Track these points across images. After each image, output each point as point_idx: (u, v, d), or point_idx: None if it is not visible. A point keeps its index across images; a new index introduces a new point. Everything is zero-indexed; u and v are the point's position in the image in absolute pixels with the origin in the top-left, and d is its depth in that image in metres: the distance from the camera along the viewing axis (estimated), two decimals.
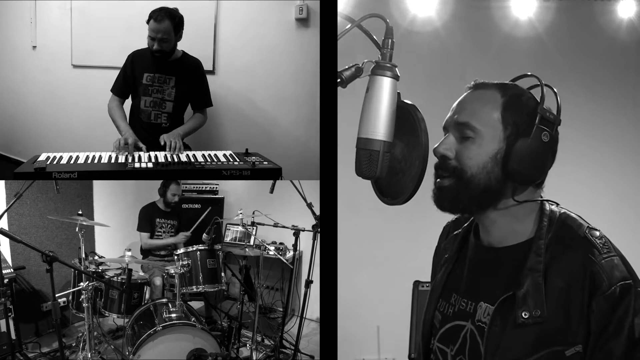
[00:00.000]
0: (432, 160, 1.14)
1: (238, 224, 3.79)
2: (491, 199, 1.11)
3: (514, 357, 1.05)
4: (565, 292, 1.04)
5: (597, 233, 1.09)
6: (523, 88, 1.16)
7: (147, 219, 3.53)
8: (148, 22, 2.56)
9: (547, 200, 1.15)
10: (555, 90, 1.14)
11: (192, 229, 3.58)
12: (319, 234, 2.64)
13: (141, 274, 3.14)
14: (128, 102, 2.78)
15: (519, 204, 1.12)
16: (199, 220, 3.59)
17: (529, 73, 1.19)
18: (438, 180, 1.14)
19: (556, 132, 1.11)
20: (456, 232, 1.29)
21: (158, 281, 3.13)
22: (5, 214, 2.84)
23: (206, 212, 3.71)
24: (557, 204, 1.16)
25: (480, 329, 1.11)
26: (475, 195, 1.10)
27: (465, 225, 1.27)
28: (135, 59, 2.71)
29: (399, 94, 1.14)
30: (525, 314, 1.04)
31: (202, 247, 3.02)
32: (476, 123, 1.10)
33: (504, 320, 1.07)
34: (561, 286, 1.04)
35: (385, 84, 1.11)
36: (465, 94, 1.17)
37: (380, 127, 1.11)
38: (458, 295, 1.19)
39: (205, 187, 4.26)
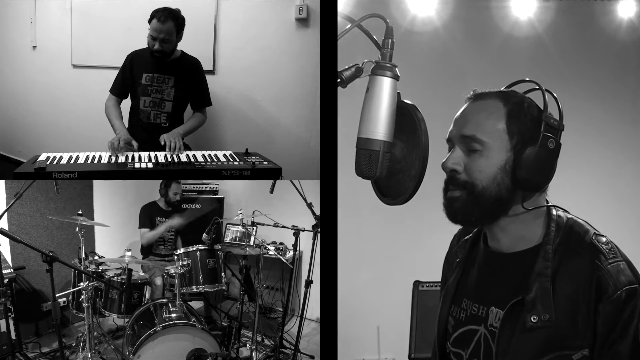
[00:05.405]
0: (435, 169, 1.13)
1: (238, 224, 3.79)
2: (503, 208, 1.12)
3: None
4: (573, 297, 1.05)
5: (604, 239, 1.10)
6: (522, 94, 1.16)
7: (148, 217, 3.52)
8: (150, 21, 2.55)
9: (554, 206, 1.16)
10: (555, 95, 1.14)
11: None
12: (319, 234, 2.64)
13: (141, 274, 3.13)
14: (128, 103, 2.78)
15: (528, 211, 1.12)
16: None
17: (527, 78, 1.20)
18: (448, 192, 1.14)
19: (560, 137, 1.12)
20: (467, 237, 1.30)
21: (159, 281, 3.13)
22: (5, 214, 2.84)
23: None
24: (564, 210, 1.17)
25: (492, 334, 1.12)
26: (488, 206, 1.11)
27: (475, 230, 1.28)
28: (134, 59, 2.71)
29: (399, 94, 1.14)
30: (534, 318, 1.06)
31: (202, 247, 3.02)
32: (482, 135, 1.10)
33: (514, 324, 1.08)
34: (569, 291, 1.06)
35: (385, 84, 1.11)
36: (465, 105, 1.17)
37: (380, 127, 1.11)
38: (469, 300, 1.20)
39: (205, 187, 4.26)
